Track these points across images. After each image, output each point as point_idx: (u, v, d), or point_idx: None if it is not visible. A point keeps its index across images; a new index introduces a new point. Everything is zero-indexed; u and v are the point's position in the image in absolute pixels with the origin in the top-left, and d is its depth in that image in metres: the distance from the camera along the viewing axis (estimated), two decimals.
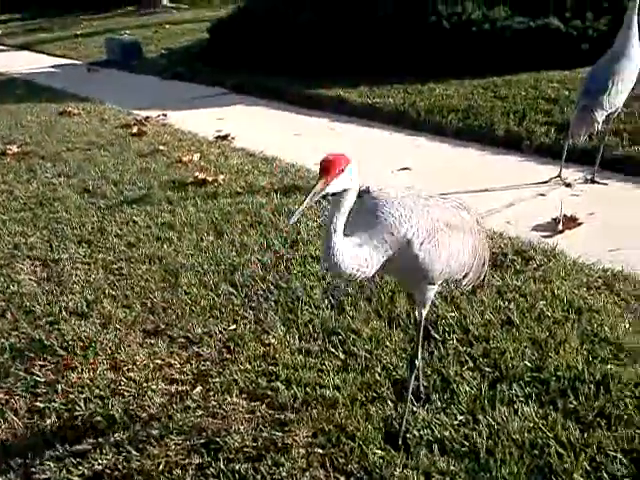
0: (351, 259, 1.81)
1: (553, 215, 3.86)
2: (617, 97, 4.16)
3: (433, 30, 7.61)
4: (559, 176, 4.58)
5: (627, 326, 2.67)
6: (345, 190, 1.77)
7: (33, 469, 2.15)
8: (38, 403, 2.48)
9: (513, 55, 7.11)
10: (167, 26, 15.06)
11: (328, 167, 1.73)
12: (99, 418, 2.35)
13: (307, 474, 2.03)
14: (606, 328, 2.66)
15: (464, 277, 2.20)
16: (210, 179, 4.88)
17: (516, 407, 2.25)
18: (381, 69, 7.70)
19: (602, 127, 4.32)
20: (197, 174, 5.01)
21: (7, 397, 2.54)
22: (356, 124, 6.72)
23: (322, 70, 7.98)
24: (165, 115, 7.33)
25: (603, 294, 2.95)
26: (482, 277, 2.37)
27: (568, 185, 4.51)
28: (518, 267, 3.27)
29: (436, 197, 2.09)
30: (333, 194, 1.77)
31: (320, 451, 2.13)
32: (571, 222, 3.82)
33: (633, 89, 4.26)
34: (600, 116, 4.17)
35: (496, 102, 6.32)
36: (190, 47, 11.76)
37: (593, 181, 4.52)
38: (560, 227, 3.77)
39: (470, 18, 7.60)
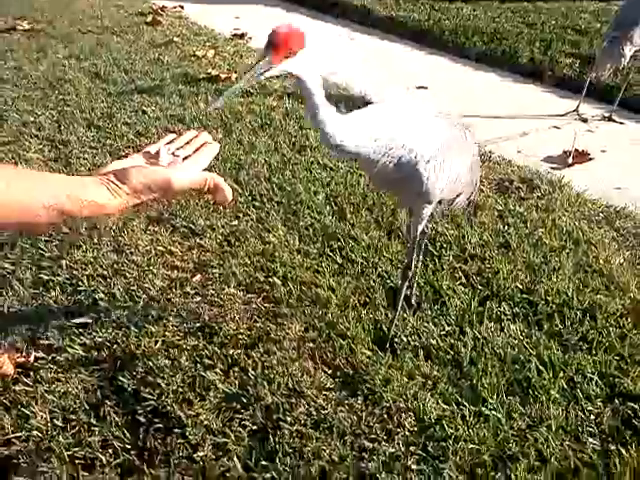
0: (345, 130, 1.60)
1: (565, 148, 3.83)
2: None
3: None
4: (576, 110, 4.51)
5: (621, 261, 2.72)
6: (300, 79, 1.50)
7: (37, 335, 2.23)
8: (43, 276, 2.54)
9: None
10: None
11: (278, 42, 1.41)
12: (101, 295, 2.43)
13: (296, 364, 2.11)
14: (600, 261, 2.70)
15: (456, 197, 2.17)
16: (223, 76, 4.79)
17: (503, 324, 2.32)
18: None
19: (629, 63, 4.21)
20: (210, 70, 4.92)
21: (13, 267, 2.60)
22: (378, 37, 6.53)
23: None
24: (182, 7, 7.10)
25: (603, 229, 2.98)
26: (473, 199, 2.35)
27: (584, 120, 4.44)
28: (522, 194, 3.29)
29: (443, 114, 1.99)
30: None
31: (310, 345, 2.21)
32: (582, 157, 3.80)
33: None
34: (628, 50, 4.05)
35: (523, 28, 6.12)
36: None
37: (610, 119, 4.45)
38: (570, 160, 3.75)
39: None
